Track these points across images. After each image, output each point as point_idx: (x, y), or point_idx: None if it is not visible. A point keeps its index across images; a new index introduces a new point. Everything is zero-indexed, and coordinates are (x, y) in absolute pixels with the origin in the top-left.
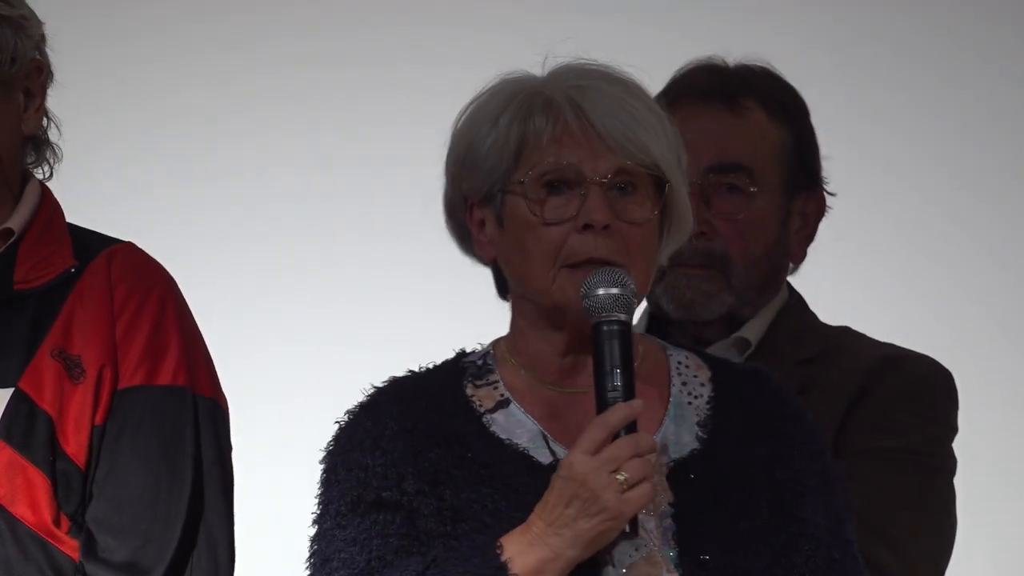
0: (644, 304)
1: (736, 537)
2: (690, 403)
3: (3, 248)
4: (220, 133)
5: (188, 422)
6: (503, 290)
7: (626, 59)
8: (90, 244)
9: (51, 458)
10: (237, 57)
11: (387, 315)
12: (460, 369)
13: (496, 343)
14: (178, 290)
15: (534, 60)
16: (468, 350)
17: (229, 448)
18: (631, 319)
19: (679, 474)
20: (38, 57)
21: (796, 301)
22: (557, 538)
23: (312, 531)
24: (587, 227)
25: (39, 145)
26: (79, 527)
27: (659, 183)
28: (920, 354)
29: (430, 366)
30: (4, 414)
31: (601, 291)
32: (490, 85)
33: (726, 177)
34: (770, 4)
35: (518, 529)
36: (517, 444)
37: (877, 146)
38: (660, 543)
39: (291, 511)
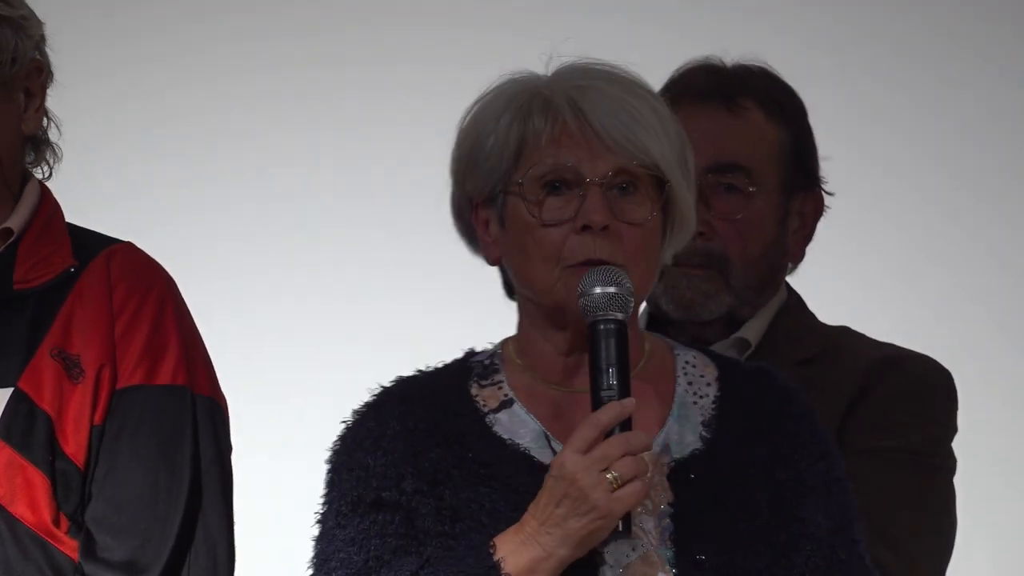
0: (644, 304)
1: (734, 537)
2: (695, 403)
3: (2, 248)
4: (220, 133)
5: (187, 421)
6: (511, 290)
7: (626, 59)
8: (89, 244)
9: (50, 458)
10: (237, 57)
11: (387, 315)
12: (467, 369)
13: (504, 343)
14: (177, 290)
15: (534, 60)
16: (478, 349)
17: (228, 448)
18: (628, 318)
19: (680, 474)
20: (38, 57)
21: (795, 301)
22: (548, 537)
23: (315, 531)
24: (585, 228)
25: (38, 145)
26: (78, 527)
27: (660, 183)
28: (920, 354)
29: (439, 365)
30: (3, 414)
31: (597, 290)
32: (494, 85)
33: (724, 177)
34: (770, 4)
35: (512, 528)
36: (519, 444)
37: (877, 146)
38: (657, 543)
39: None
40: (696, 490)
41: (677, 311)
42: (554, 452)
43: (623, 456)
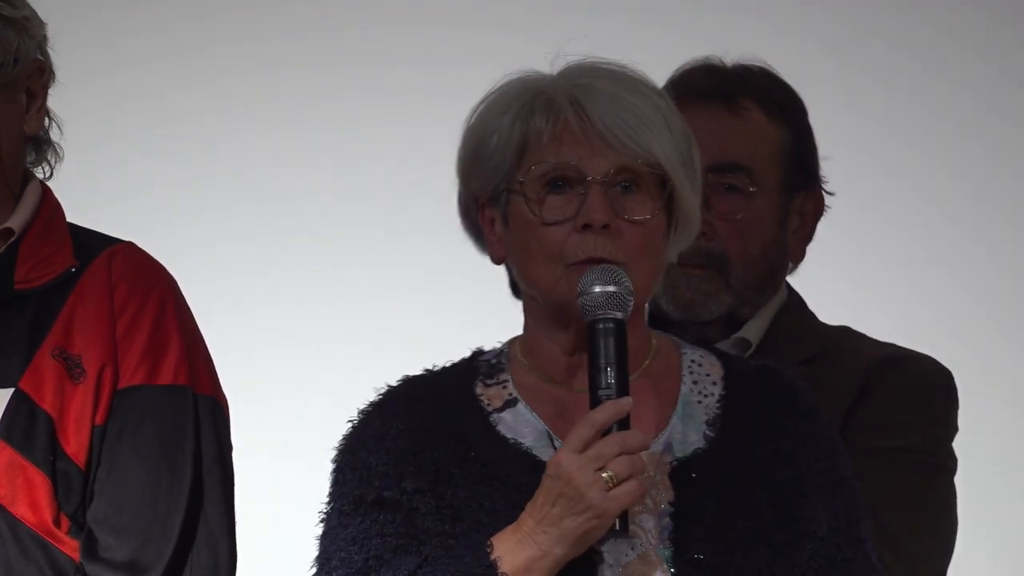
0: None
1: (734, 537)
2: (700, 402)
3: (3, 248)
4: (220, 133)
5: (189, 421)
6: (517, 289)
7: (626, 59)
8: (91, 244)
9: (51, 458)
10: (237, 57)
11: (387, 315)
12: (473, 368)
13: (512, 342)
14: (179, 290)
15: (534, 60)
16: (486, 349)
17: (229, 447)
18: (627, 317)
19: (681, 473)
20: (40, 58)
21: (795, 301)
22: (544, 536)
23: (319, 530)
24: (586, 227)
25: (40, 145)
26: (79, 527)
27: (663, 182)
28: (920, 354)
29: (447, 364)
30: (4, 414)
31: (597, 289)
32: (500, 84)
33: (725, 177)
34: (770, 4)
35: (510, 528)
36: (521, 443)
37: (877, 146)
38: (656, 542)
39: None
40: (697, 489)
41: (677, 311)
42: (556, 451)
43: (619, 455)
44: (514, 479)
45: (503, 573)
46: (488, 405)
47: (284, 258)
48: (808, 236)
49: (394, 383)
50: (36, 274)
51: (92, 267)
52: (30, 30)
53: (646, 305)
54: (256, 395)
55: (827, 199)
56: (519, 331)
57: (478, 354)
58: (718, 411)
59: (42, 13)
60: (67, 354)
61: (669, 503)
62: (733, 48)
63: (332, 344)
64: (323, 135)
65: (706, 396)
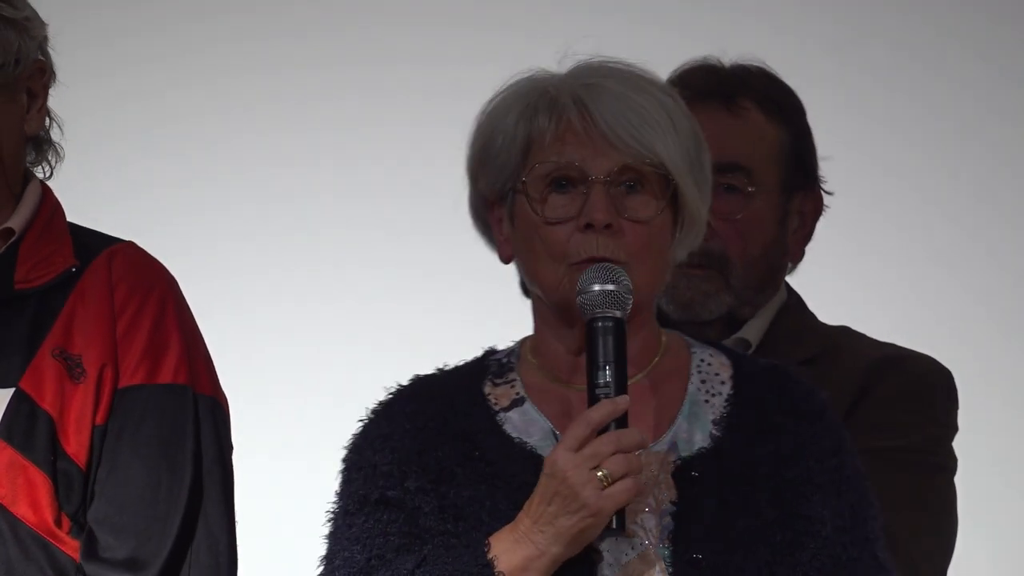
0: None
1: (734, 536)
2: (707, 401)
3: (4, 248)
4: (220, 133)
5: (188, 420)
6: (526, 288)
7: (626, 59)
8: (91, 243)
9: (52, 458)
10: (237, 57)
11: (387, 315)
12: (484, 367)
13: (523, 341)
14: (179, 289)
15: (534, 60)
16: (499, 348)
17: (230, 446)
18: (626, 316)
19: (684, 472)
20: (41, 58)
21: (795, 301)
22: (541, 535)
23: (326, 529)
24: (588, 226)
25: (40, 144)
26: (80, 527)
27: (668, 181)
28: (920, 354)
29: (460, 363)
30: (5, 414)
31: (596, 287)
32: (508, 83)
33: (724, 177)
34: (770, 4)
35: (507, 527)
36: (527, 443)
37: (877, 146)
38: (657, 541)
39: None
40: (700, 489)
41: (677, 311)
42: None
43: (614, 454)
44: (518, 478)
45: (500, 572)
46: (495, 404)
47: (284, 258)
48: (807, 236)
49: (404, 382)
50: (36, 274)
51: (92, 267)
52: (31, 31)
53: (654, 303)
54: (256, 395)
55: (826, 199)
56: (519, 331)
57: (490, 353)
58: (725, 411)
59: (42, 13)
60: (67, 354)
61: (671, 502)
62: (733, 48)
63: (332, 344)
64: (323, 135)
65: (714, 395)
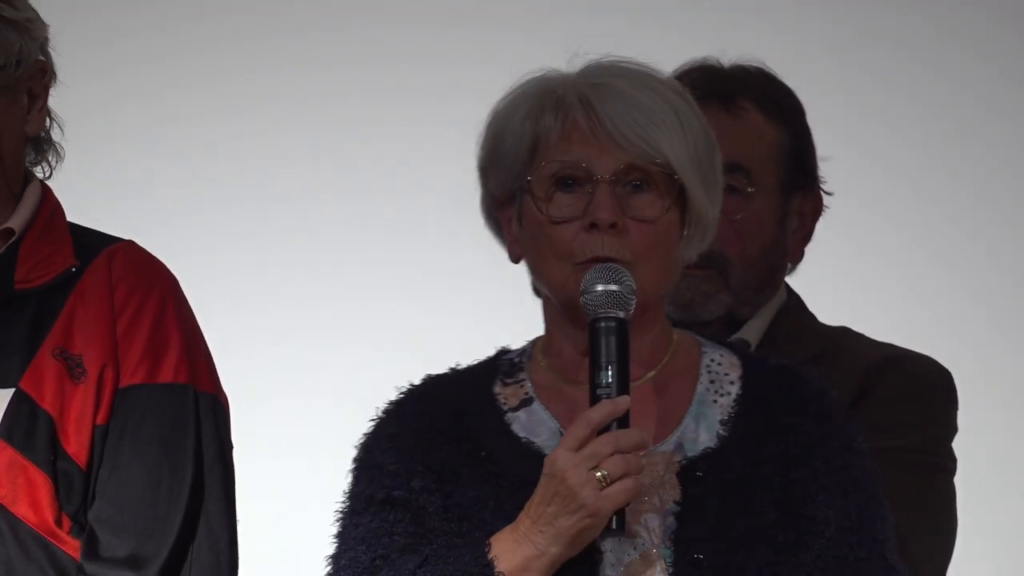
0: None
1: (736, 537)
2: (715, 401)
3: (4, 248)
4: (220, 133)
5: (189, 419)
6: (538, 289)
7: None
8: (91, 243)
9: (52, 458)
10: (237, 57)
11: (387, 315)
12: (495, 367)
13: (535, 341)
14: (179, 288)
15: (534, 60)
16: (512, 347)
17: (230, 445)
18: (629, 316)
19: (689, 472)
20: (42, 59)
21: (795, 302)
22: (540, 535)
23: (334, 529)
24: (593, 226)
25: (40, 144)
26: (80, 527)
27: (674, 180)
28: (920, 354)
29: (472, 363)
30: (5, 414)
31: (599, 288)
32: (519, 83)
33: (723, 178)
34: (770, 4)
35: (508, 527)
36: (534, 443)
37: (877, 146)
38: (659, 541)
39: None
40: (704, 489)
41: (677, 312)
42: None
43: (613, 454)
44: (523, 478)
45: (500, 572)
46: (504, 404)
47: (284, 258)
48: (807, 236)
49: (416, 381)
50: (36, 274)
51: (92, 266)
52: (32, 32)
53: (665, 303)
54: (256, 395)
55: (826, 199)
56: (520, 332)
57: (502, 353)
58: (733, 411)
59: (43, 13)
60: (68, 354)
61: (675, 502)
62: (732, 48)
63: (332, 344)
64: (323, 135)
65: (722, 395)
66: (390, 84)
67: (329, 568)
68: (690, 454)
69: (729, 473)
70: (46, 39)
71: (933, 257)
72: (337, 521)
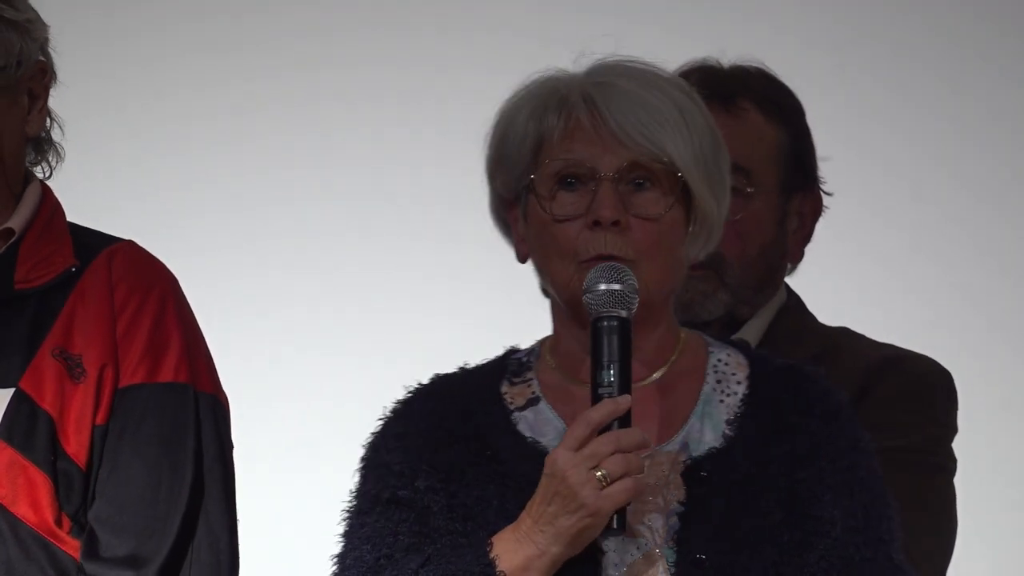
0: None
1: (740, 537)
2: (722, 401)
3: (4, 248)
4: (221, 133)
5: (189, 418)
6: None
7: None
8: (91, 243)
9: (52, 458)
10: (238, 58)
11: (388, 316)
12: (503, 367)
13: (543, 340)
14: (179, 288)
15: (535, 61)
16: (521, 347)
17: (230, 445)
18: (631, 315)
19: (693, 472)
20: (42, 59)
21: (795, 302)
22: (541, 535)
23: (340, 528)
24: (596, 224)
25: (40, 145)
26: (80, 527)
27: (678, 178)
28: (920, 354)
29: (481, 362)
30: (5, 414)
31: (602, 287)
32: (525, 83)
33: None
34: (770, 4)
35: (510, 527)
36: (540, 442)
37: (877, 146)
38: (663, 541)
39: (290, 510)
40: (708, 489)
41: (677, 312)
42: None
43: (613, 453)
44: (528, 478)
45: (501, 572)
46: (511, 403)
47: (285, 258)
48: (807, 236)
49: (424, 381)
50: (36, 274)
51: (92, 266)
52: (33, 32)
53: (671, 301)
54: (256, 395)
55: (826, 199)
56: (521, 334)
57: (510, 352)
58: (740, 410)
59: (43, 13)
60: (67, 354)
61: (679, 502)
62: (732, 48)
63: (332, 345)
64: (324, 136)
65: (729, 395)
66: (393, 86)
67: (335, 567)
68: (695, 454)
69: (735, 473)
70: (46, 40)
71: (933, 257)
72: (344, 520)
